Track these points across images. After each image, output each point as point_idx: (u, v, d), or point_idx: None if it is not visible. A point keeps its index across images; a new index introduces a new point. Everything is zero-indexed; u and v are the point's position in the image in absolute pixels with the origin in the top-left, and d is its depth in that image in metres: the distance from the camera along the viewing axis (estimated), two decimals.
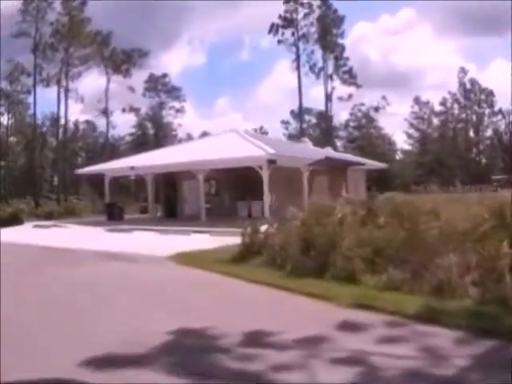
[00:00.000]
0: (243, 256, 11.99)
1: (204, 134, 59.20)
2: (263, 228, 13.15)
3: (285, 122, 68.55)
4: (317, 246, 10.62)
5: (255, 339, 5.88)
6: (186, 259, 12.45)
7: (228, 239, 16.44)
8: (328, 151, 31.69)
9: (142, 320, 7.00)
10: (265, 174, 22.18)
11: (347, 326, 6.57)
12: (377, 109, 61.27)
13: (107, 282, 10.07)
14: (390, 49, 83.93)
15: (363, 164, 26.85)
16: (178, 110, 64.14)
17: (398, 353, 5.50)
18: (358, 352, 5.50)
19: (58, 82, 48.61)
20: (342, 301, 7.84)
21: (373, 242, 9.92)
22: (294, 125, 68.24)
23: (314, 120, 66.87)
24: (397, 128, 69.84)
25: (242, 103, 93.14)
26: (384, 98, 62.14)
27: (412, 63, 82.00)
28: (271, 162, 21.93)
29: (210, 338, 5.96)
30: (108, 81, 53.77)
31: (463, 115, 66.03)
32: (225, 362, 5.24)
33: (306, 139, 33.49)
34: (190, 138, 62.32)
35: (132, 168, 23.80)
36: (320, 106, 65.42)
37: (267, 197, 22.05)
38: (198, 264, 11.58)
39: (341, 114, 63.17)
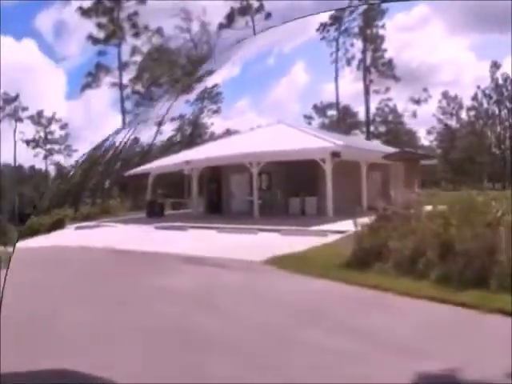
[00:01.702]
0: (360, 260, 10.20)
1: (227, 132, 57.19)
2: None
3: (307, 117, 66.58)
4: (463, 249, 8.90)
5: None
6: (290, 265, 10.61)
7: (304, 239, 14.78)
8: (377, 144, 29.94)
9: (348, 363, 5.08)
10: (328, 168, 20.33)
11: None
12: (418, 101, 58.55)
13: (234, 300, 8.03)
14: (403, 45, 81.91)
15: (434, 157, 25.11)
16: (215, 111, 61.77)
17: None
18: None
19: None
20: None
21: None
22: (316, 120, 66.30)
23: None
24: (413, 124, 67.37)
25: (254, 101, 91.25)
26: (425, 89, 59.27)
27: (425, 59, 79.87)
28: (335, 154, 20.10)
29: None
30: None
31: (495, 110, 63.79)
32: None
33: (358, 132, 31.63)
34: (212, 135, 60.25)
35: (188, 162, 22.52)
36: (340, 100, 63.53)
37: (330, 192, 20.26)
38: (313, 271, 9.75)
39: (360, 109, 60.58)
